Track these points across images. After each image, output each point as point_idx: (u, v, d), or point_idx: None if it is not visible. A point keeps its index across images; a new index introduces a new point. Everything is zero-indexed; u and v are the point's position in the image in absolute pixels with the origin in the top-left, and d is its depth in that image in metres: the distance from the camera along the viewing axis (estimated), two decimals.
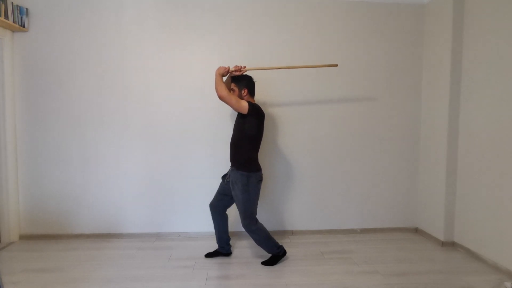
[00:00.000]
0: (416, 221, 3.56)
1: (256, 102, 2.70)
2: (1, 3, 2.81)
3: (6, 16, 2.86)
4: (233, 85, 2.65)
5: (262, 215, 3.38)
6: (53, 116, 3.19)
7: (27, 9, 3.08)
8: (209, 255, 2.86)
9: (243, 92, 2.62)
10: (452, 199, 3.12)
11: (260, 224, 2.69)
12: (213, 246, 3.07)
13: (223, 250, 2.87)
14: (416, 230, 3.56)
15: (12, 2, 2.92)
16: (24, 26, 3.05)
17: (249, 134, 2.57)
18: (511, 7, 2.55)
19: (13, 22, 2.93)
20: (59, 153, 3.21)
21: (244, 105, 2.50)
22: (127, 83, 3.22)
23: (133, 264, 2.72)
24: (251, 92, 2.67)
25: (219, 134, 3.26)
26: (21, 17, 3.03)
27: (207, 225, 3.07)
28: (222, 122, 3.28)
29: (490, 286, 2.40)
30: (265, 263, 2.72)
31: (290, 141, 3.38)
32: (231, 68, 2.65)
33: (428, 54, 3.37)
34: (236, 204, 2.65)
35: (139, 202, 3.31)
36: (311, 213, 3.45)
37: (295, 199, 3.43)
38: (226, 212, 2.83)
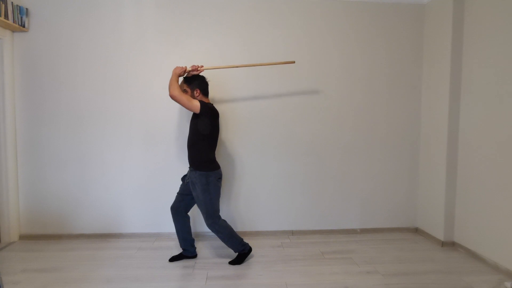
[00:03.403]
0: (416, 221, 3.56)
1: (210, 102, 2.70)
2: (1, 3, 2.81)
3: (6, 16, 2.86)
4: (185, 86, 2.62)
5: (263, 215, 3.39)
6: (53, 116, 3.19)
7: (27, 9, 3.08)
8: (173, 259, 2.77)
9: (195, 92, 2.61)
10: (452, 199, 3.12)
11: (224, 221, 2.68)
12: (213, 246, 3.08)
13: (187, 253, 2.80)
14: (416, 230, 3.55)
15: (12, 2, 2.92)
16: (24, 26, 3.05)
17: (203, 134, 2.57)
18: (511, 7, 2.55)
19: (13, 22, 2.93)
20: (59, 153, 3.21)
21: (196, 104, 2.48)
22: (126, 83, 3.22)
23: (133, 264, 2.72)
24: (204, 92, 2.66)
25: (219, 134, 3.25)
26: (21, 17, 3.03)
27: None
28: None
29: (490, 286, 2.40)
30: (232, 262, 2.72)
31: (290, 140, 3.38)
32: (188, 68, 2.64)
33: (428, 54, 3.37)
34: (198, 205, 2.64)
35: (139, 202, 3.31)
36: (311, 213, 3.45)
37: (295, 199, 3.42)
38: (188, 214, 2.79)
